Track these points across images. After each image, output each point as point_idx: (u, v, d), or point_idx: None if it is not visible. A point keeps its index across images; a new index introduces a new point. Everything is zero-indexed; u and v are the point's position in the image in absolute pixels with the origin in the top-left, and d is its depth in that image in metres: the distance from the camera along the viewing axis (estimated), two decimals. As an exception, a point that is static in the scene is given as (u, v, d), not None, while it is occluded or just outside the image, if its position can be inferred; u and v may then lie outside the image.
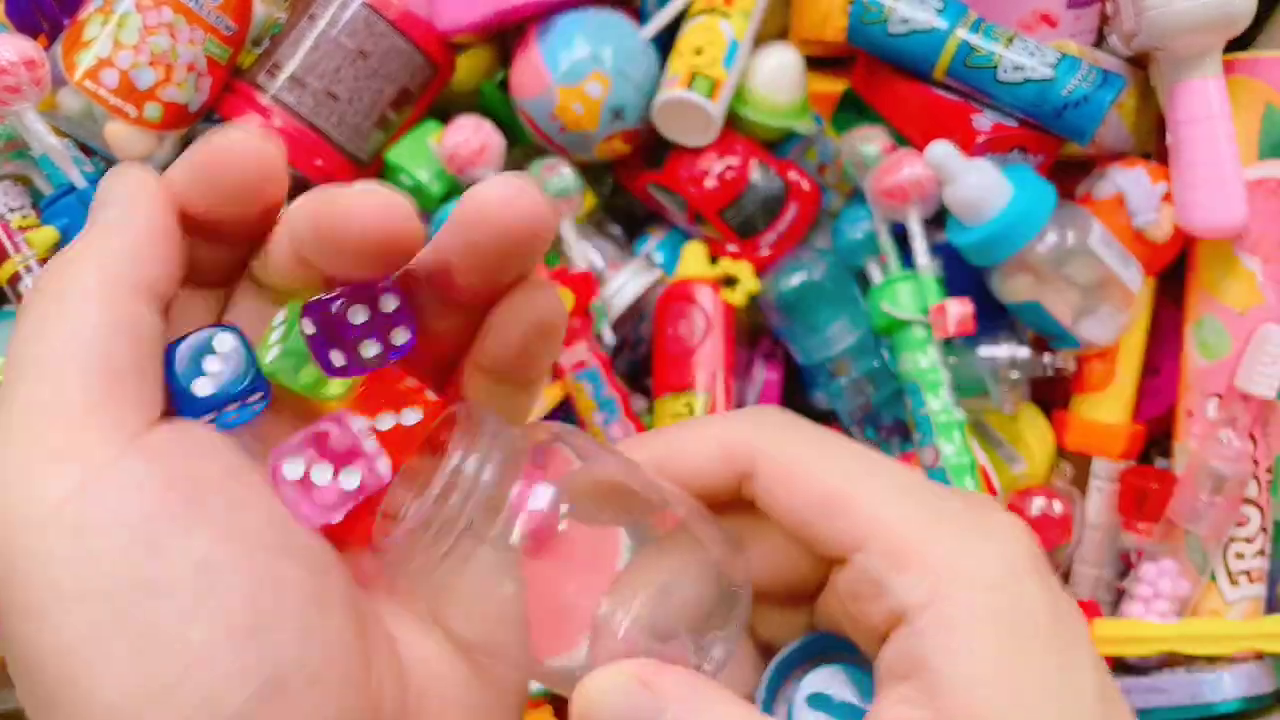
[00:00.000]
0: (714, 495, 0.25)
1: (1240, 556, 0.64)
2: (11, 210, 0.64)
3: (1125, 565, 0.67)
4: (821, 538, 0.23)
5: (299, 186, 0.76)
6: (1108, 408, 0.67)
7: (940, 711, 0.20)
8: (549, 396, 0.63)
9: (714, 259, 0.66)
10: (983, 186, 0.56)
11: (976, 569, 0.21)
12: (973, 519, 0.22)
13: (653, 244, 0.70)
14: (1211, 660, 0.62)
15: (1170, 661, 0.63)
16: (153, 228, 0.22)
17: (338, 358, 0.22)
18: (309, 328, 0.22)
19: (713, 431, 0.25)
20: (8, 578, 0.19)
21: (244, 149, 0.23)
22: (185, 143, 0.65)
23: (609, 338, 0.63)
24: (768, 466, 0.23)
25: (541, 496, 0.22)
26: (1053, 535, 0.63)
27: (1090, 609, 0.63)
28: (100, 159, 0.66)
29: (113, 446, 0.19)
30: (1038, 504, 0.62)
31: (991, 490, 0.60)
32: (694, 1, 0.63)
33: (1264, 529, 0.63)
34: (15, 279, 0.62)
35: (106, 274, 0.21)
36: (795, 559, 0.24)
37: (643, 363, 0.70)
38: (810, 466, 0.23)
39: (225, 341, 0.22)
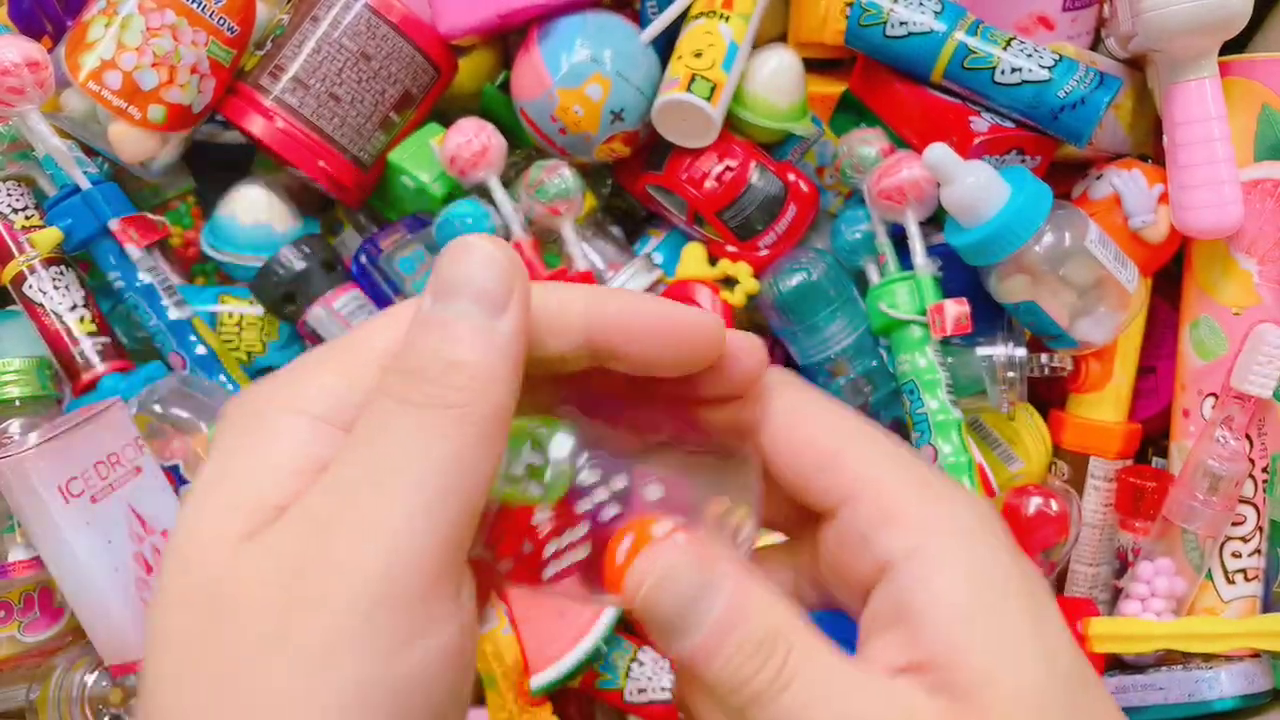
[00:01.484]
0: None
1: (1236, 555, 0.64)
2: (15, 211, 0.64)
3: (1122, 564, 0.67)
4: (815, 490, 0.24)
5: (302, 186, 0.77)
6: (1104, 407, 0.68)
7: (924, 654, 0.21)
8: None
9: (713, 260, 0.66)
10: (980, 188, 0.56)
11: (955, 525, 0.23)
12: (949, 485, 0.24)
13: (653, 245, 0.70)
14: (1208, 658, 0.62)
15: (1167, 659, 0.64)
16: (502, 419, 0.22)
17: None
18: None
19: None
20: None
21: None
22: (188, 143, 0.65)
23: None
24: (774, 421, 0.25)
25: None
26: (1049, 534, 0.63)
27: (1087, 607, 0.63)
28: (104, 160, 0.66)
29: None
30: (1035, 503, 0.63)
31: (989, 490, 0.60)
32: (693, 4, 0.63)
33: (1260, 528, 0.64)
34: (19, 279, 0.62)
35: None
36: (786, 511, 0.26)
37: (642, 363, 0.71)
38: (810, 425, 0.25)
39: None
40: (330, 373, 0.22)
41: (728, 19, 0.61)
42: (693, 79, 0.60)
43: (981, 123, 0.61)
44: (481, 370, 0.21)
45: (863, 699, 0.21)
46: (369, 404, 0.21)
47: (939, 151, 0.56)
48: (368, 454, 0.21)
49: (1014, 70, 0.59)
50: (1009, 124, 0.61)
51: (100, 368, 0.62)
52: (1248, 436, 0.62)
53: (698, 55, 0.61)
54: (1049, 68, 0.59)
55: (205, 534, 0.21)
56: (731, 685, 0.21)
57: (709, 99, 0.60)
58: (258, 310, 0.65)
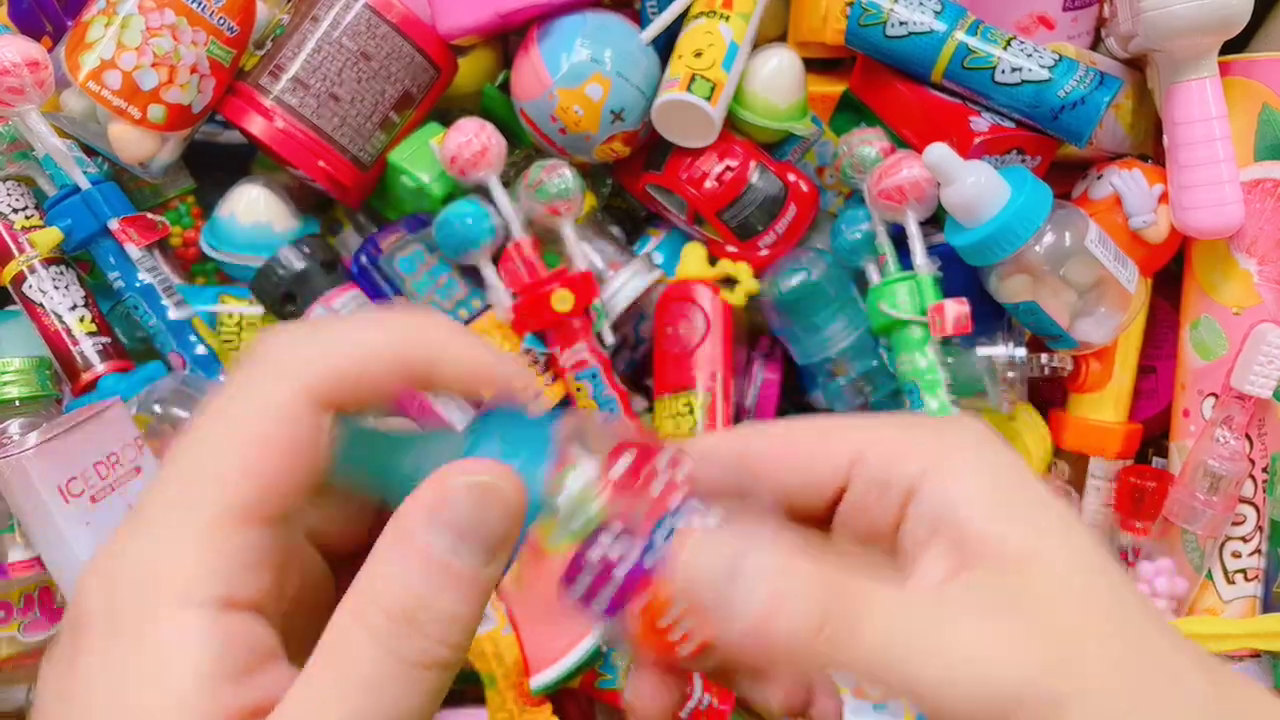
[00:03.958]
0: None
1: (1236, 555, 0.64)
2: (15, 211, 0.64)
3: (1122, 564, 0.67)
4: (821, 477, 0.26)
5: (301, 186, 0.76)
6: (1104, 407, 0.68)
7: (967, 551, 0.23)
8: (550, 395, 0.64)
9: (713, 260, 0.66)
10: (980, 188, 0.56)
11: (960, 441, 0.24)
12: (939, 420, 0.26)
13: (652, 245, 0.70)
14: (1208, 658, 0.62)
15: (1167, 659, 0.64)
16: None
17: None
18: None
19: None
20: None
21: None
22: (188, 143, 0.65)
23: (609, 338, 0.63)
24: (761, 448, 0.26)
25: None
26: (1050, 534, 0.63)
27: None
28: (103, 160, 0.66)
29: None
30: (1035, 503, 0.63)
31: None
32: (693, 4, 0.63)
33: (1260, 528, 0.64)
34: (19, 279, 0.62)
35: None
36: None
37: (643, 363, 0.71)
38: (793, 433, 0.26)
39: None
40: (195, 544, 0.21)
41: (728, 18, 0.61)
42: (693, 79, 0.60)
43: (981, 122, 0.61)
44: (472, 622, 0.21)
45: (930, 616, 0.22)
46: (345, 638, 0.21)
47: (939, 151, 0.56)
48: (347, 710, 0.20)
49: (1014, 70, 0.59)
50: (1009, 124, 0.61)
51: (100, 368, 0.62)
52: (1248, 436, 0.62)
53: (698, 55, 0.61)
54: (1049, 67, 0.59)
55: None
56: (801, 645, 0.22)
57: (709, 99, 0.60)
58: (258, 310, 0.65)
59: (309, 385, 0.22)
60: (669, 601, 0.23)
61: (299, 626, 0.23)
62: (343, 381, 0.22)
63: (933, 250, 0.61)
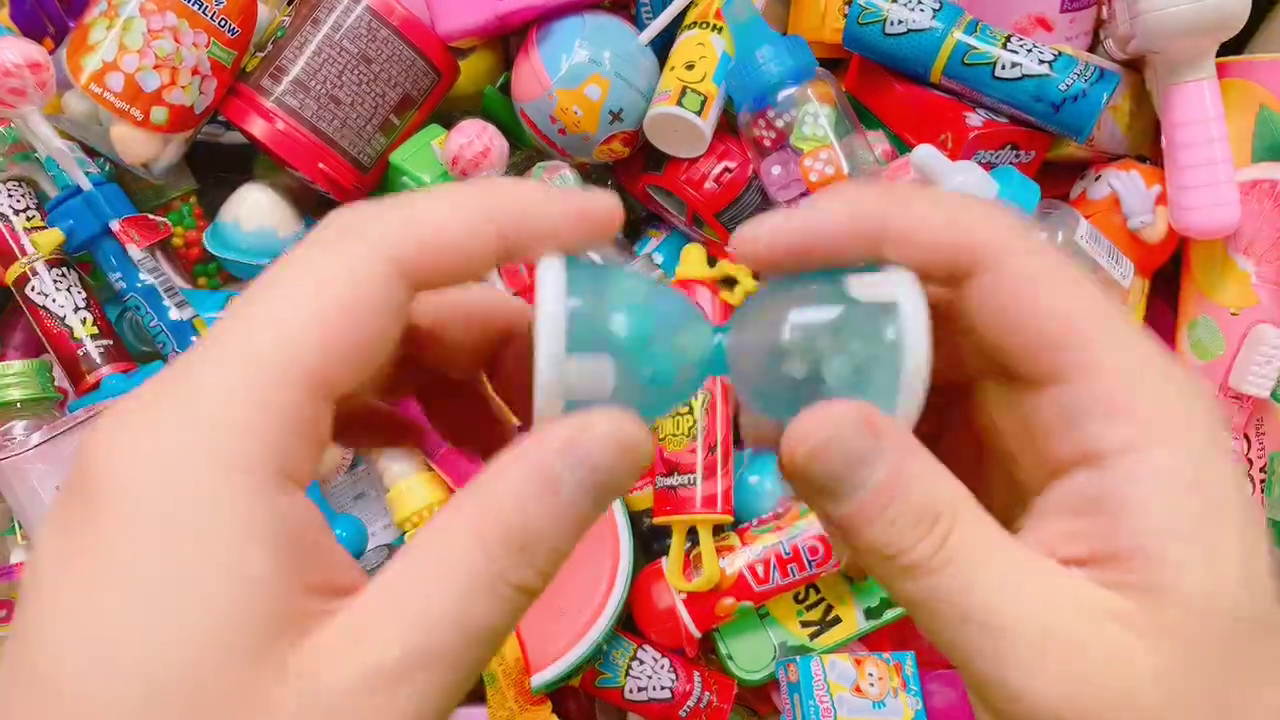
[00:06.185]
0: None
1: (1234, 555, 0.64)
2: (17, 212, 0.64)
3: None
4: (1028, 361, 0.22)
5: (303, 187, 0.76)
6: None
7: (1114, 549, 0.20)
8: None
9: (712, 260, 0.66)
10: (966, 186, 0.56)
11: (1187, 433, 0.20)
12: (1188, 384, 0.21)
13: (653, 246, 0.71)
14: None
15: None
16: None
17: None
18: None
19: (944, 215, 0.22)
20: None
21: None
22: (190, 144, 0.65)
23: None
24: (1000, 276, 0.22)
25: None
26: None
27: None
28: (105, 161, 0.67)
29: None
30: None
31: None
32: (688, 12, 0.63)
33: (1258, 527, 0.64)
34: (22, 281, 0.63)
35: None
36: (957, 362, 0.24)
37: (642, 363, 0.71)
38: (1046, 298, 0.21)
39: None
40: (254, 408, 0.19)
41: (720, 30, 0.62)
42: (684, 92, 0.60)
43: (976, 118, 0.61)
44: (565, 557, 0.20)
45: (1028, 585, 0.20)
46: (454, 542, 0.19)
47: (925, 152, 0.56)
48: (438, 615, 0.19)
49: (1014, 65, 0.59)
50: (1003, 119, 0.61)
51: (104, 369, 0.62)
52: (1246, 436, 0.62)
53: (689, 67, 0.61)
54: (1049, 62, 0.59)
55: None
56: (887, 553, 0.20)
57: (699, 113, 0.60)
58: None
59: (394, 257, 0.20)
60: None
61: None
62: (433, 254, 0.20)
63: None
